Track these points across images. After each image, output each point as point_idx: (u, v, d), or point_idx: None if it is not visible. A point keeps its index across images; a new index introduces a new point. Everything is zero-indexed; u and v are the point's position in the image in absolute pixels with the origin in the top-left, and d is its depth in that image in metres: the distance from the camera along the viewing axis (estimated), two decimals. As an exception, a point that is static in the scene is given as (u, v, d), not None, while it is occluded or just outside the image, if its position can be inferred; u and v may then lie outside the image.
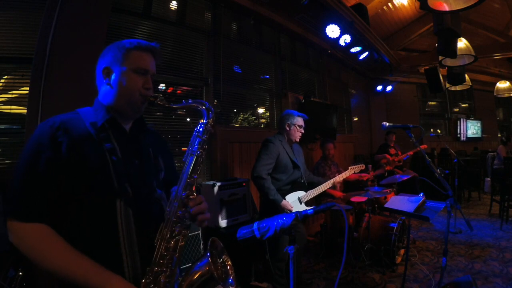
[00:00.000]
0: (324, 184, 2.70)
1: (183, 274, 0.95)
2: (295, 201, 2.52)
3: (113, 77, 0.98)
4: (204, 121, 1.01)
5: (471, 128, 8.34)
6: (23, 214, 0.82)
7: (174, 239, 0.90)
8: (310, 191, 2.63)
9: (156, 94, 1.01)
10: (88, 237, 0.86)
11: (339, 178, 2.76)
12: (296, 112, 2.66)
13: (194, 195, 0.95)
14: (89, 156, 0.88)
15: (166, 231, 0.90)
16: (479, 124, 8.46)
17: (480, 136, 8.43)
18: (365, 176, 3.44)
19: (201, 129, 1.00)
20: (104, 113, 0.97)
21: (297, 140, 2.63)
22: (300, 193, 2.59)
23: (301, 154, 2.74)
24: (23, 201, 0.82)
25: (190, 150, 0.98)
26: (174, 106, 1.04)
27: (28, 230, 0.81)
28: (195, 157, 0.97)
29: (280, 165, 2.50)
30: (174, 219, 0.91)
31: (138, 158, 1.00)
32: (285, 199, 2.44)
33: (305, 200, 2.58)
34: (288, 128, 2.59)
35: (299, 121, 2.60)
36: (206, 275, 0.92)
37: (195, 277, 0.92)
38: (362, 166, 2.97)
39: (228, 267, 0.98)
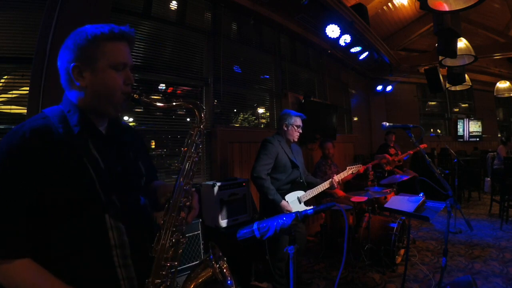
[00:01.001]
0: (322, 184, 2.70)
1: (186, 273, 0.96)
2: (294, 201, 2.52)
3: (87, 76, 0.84)
4: (196, 124, 0.96)
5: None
6: (4, 252, 0.72)
7: (173, 248, 0.88)
8: (309, 190, 2.64)
9: (139, 91, 0.93)
10: (80, 254, 0.80)
11: (337, 178, 2.76)
12: (293, 112, 2.67)
13: (189, 203, 0.93)
14: (70, 170, 0.78)
15: (164, 241, 0.87)
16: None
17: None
18: (362, 168, 3.41)
19: (192, 132, 0.96)
20: (79, 116, 0.85)
21: (295, 139, 2.63)
22: (300, 193, 2.59)
23: (300, 154, 2.74)
24: (2, 238, 0.72)
25: (185, 155, 0.94)
26: (160, 105, 0.96)
27: (11, 268, 0.72)
28: (190, 162, 0.94)
29: (279, 165, 2.51)
30: (173, 228, 0.88)
31: (120, 164, 0.91)
32: (284, 199, 2.44)
33: (304, 200, 2.58)
34: (286, 128, 2.59)
35: (297, 121, 2.60)
36: (209, 278, 0.92)
37: (199, 281, 0.92)
38: (359, 167, 2.97)
39: (225, 270, 0.97)
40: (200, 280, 0.93)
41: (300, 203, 2.56)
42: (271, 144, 2.50)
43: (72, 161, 0.80)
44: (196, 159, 0.96)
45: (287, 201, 2.46)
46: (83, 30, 0.84)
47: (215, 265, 0.93)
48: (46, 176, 0.75)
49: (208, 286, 0.93)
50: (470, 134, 8.34)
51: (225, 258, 0.99)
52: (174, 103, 0.97)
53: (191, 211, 0.94)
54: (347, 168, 2.90)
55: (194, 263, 2.32)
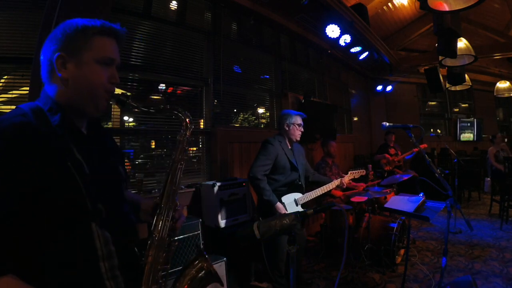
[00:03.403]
0: (321, 188, 2.67)
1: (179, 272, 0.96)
2: (291, 203, 2.49)
3: (70, 68, 0.79)
4: (182, 131, 0.97)
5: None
6: None
7: (165, 254, 0.87)
8: (307, 193, 2.60)
9: (125, 92, 0.91)
10: (66, 267, 0.73)
11: (347, 178, 2.73)
12: (293, 111, 2.65)
13: (179, 206, 0.94)
14: (54, 176, 0.70)
15: (156, 247, 0.85)
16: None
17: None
18: (361, 187, 3.42)
19: (180, 139, 0.96)
20: (61, 116, 0.78)
21: (298, 139, 2.61)
22: (297, 195, 2.56)
23: (301, 155, 2.71)
24: None
25: (173, 162, 0.95)
26: (146, 110, 0.95)
27: None
28: (178, 166, 0.95)
29: (278, 166, 2.49)
30: (166, 233, 0.88)
31: (103, 170, 0.85)
32: (281, 201, 2.42)
33: (301, 203, 2.55)
34: (287, 128, 2.57)
35: (298, 120, 2.58)
36: (205, 270, 0.93)
37: (192, 273, 0.93)
38: (362, 172, 2.91)
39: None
40: (193, 273, 0.93)
41: (297, 205, 2.53)
42: (271, 145, 2.49)
43: (56, 165, 0.72)
44: (183, 165, 0.96)
45: (284, 203, 2.43)
46: (73, 22, 0.81)
47: (208, 260, 0.95)
48: (27, 182, 0.67)
49: (203, 280, 0.93)
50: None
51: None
52: (162, 110, 0.98)
53: (179, 219, 0.94)
54: (349, 172, 2.85)
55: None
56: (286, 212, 2.35)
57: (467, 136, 8.40)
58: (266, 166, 2.44)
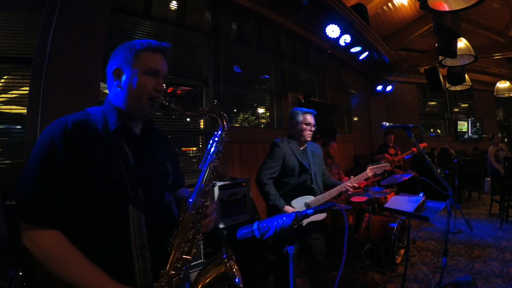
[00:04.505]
0: (335, 188, 2.41)
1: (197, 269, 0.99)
2: (301, 207, 2.35)
3: (123, 78, 0.97)
4: (219, 132, 1.04)
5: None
6: (37, 220, 0.81)
7: (188, 244, 0.93)
8: (319, 196, 2.39)
9: (169, 99, 1.03)
10: (101, 240, 0.87)
11: (350, 183, 2.41)
12: (303, 109, 2.45)
13: (209, 202, 0.99)
14: (103, 163, 0.88)
15: (181, 236, 0.92)
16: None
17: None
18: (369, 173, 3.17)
19: (216, 139, 1.04)
20: (117, 116, 0.96)
21: (307, 139, 2.40)
22: (308, 198, 2.38)
23: (317, 155, 2.49)
24: (37, 206, 0.81)
25: (207, 159, 1.01)
26: (190, 113, 1.07)
27: (41, 236, 0.81)
28: (212, 166, 1.01)
29: (287, 168, 2.35)
30: (190, 225, 0.94)
31: (149, 164, 1.00)
32: (291, 204, 2.30)
33: (313, 206, 2.37)
34: (294, 128, 2.40)
35: (307, 118, 2.39)
36: (221, 274, 0.98)
37: (211, 277, 0.98)
38: (386, 166, 2.48)
39: (234, 270, 1.02)
40: (212, 276, 0.98)
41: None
42: (278, 147, 2.36)
43: (106, 154, 0.89)
44: (217, 163, 1.04)
45: (293, 207, 2.29)
46: (129, 43, 1.00)
47: (227, 263, 1.00)
48: (81, 164, 0.85)
49: (218, 282, 0.98)
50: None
51: (234, 258, 1.04)
52: (201, 112, 1.19)
53: (208, 215, 1.00)
54: (368, 168, 2.43)
55: (195, 262, 2.32)
56: None
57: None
58: (272, 169, 2.32)
